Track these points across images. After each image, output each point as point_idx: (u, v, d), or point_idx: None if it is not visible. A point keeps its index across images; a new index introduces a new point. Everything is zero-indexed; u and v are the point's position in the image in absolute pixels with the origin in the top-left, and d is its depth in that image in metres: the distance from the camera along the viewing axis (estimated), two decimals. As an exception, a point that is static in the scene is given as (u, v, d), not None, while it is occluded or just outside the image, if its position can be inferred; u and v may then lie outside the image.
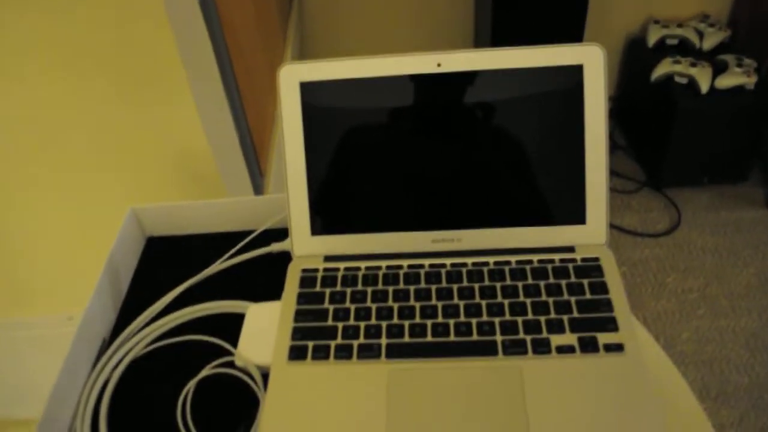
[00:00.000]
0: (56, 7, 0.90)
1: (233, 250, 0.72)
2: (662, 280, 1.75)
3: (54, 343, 1.23)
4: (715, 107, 1.79)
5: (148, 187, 1.04)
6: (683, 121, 1.81)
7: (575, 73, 0.59)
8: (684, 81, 1.83)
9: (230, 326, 0.65)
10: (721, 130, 1.83)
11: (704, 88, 1.79)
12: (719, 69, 1.84)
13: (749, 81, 1.78)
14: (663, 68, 1.86)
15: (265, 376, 0.59)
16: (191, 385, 0.60)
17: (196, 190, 1.11)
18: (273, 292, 0.65)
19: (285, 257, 0.65)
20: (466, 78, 0.59)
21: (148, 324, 0.67)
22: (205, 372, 0.61)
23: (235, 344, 0.62)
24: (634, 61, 2.09)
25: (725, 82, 1.80)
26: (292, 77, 0.61)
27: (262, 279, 0.70)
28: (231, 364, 0.61)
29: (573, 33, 1.83)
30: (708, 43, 1.95)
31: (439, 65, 0.59)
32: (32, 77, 0.90)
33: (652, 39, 1.99)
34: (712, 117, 1.80)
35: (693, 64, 1.82)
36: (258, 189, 1.08)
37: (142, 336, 0.65)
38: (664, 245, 1.84)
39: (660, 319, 1.66)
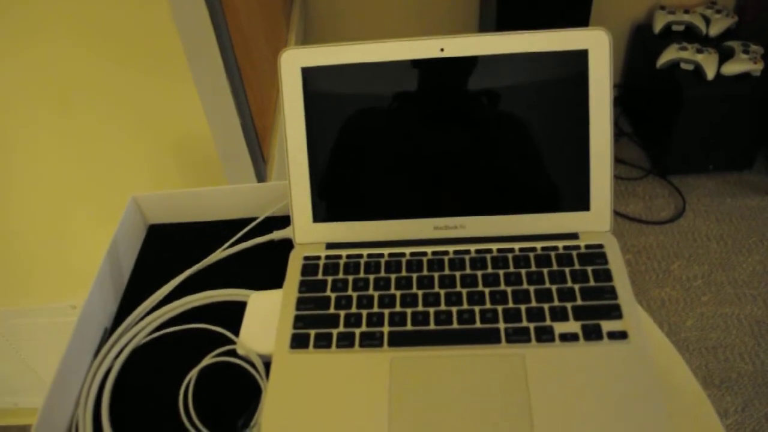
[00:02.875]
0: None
1: (235, 238, 0.72)
2: (667, 267, 1.74)
3: (57, 331, 1.23)
4: (721, 94, 1.77)
5: (149, 175, 1.04)
6: (689, 107, 1.79)
7: (580, 58, 0.58)
8: (690, 67, 1.82)
9: (232, 314, 0.64)
10: (726, 117, 1.81)
11: (710, 74, 1.77)
12: (726, 55, 1.83)
13: (756, 68, 1.77)
14: (669, 55, 1.85)
15: (267, 365, 0.58)
16: (193, 373, 0.60)
17: (198, 176, 1.10)
18: (275, 280, 0.64)
19: (287, 245, 0.64)
20: (470, 63, 0.58)
21: (149, 313, 0.67)
22: (207, 361, 0.61)
23: (237, 332, 0.62)
24: (640, 47, 2.07)
25: (731, 68, 1.78)
26: (293, 62, 0.60)
27: (264, 267, 0.70)
28: (233, 353, 0.61)
29: (579, 18, 1.81)
30: (714, 30, 1.93)
31: (442, 50, 0.58)
32: (35, 58, 0.90)
33: (658, 25, 1.97)
34: (718, 104, 1.78)
35: (699, 51, 1.81)
36: (261, 175, 1.08)
37: (144, 325, 0.65)
38: (668, 232, 1.83)
39: (664, 306, 1.65)
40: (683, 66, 1.83)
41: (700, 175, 1.99)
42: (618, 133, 2.15)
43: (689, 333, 1.59)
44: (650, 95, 2.01)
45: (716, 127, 1.84)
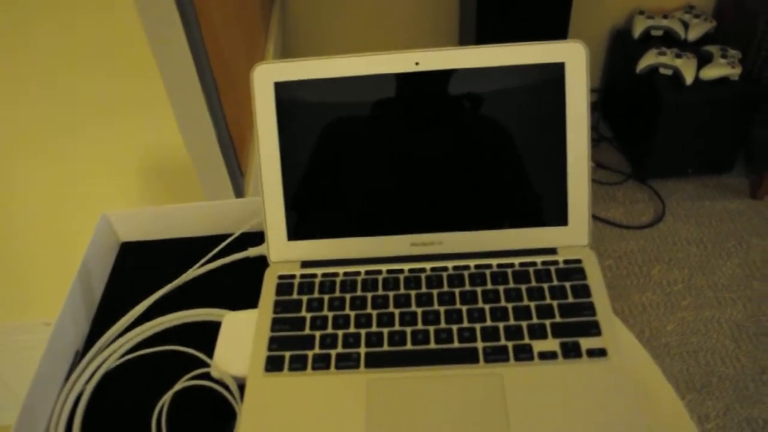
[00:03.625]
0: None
1: (209, 255, 0.71)
2: (647, 271, 1.75)
3: (31, 348, 1.21)
4: (700, 98, 1.79)
5: (122, 190, 1.02)
6: (668, 112, 1.80)
7: (557, 70, 0.57)
8: (669, 72, 1.83)
9: (206, 335, 0.63)
10: (705, 122, 1.83)
11: (689, 79, 1.79)
12: (704, 60, 1.84)
13: (734, 72, 1.78)
14: (648, 60, 1.86)
15: (242, 388, 0.57)
16: (166, 398, 0.59)
17: (176, 190, 1.08)
18: (251, 298, 0.63)
19: (263, 261, 0.63)
20: (446, 77, 0.57)
21: (122, 334, 0.65)
22: (181, 384, 0.59)
23: (211, 354, 0.61)
24: (619, 52, 2.08)
25: (710, 73, 1.80)
26: (266, 77, 0.59)
27: (240, 284, 0.68)
28: (207, 376, 0.60)
29: (558, 24, 1.82)
30: (693, 34, 1.95)
31: (417, 64, 0.57)
32: (14, 79, 0.88)
33: (637, 30, 1.99)
34: (697, 108, 1.80)
35: (678, 56, 1.82)
36: (238, 188, 1.06)
37: (116, 347, 0.64)
38: (648, 237, 1.84)
39: (645, 311, 1.66)
40: (662, 71, 1.84)
41: (679, 178, 2.00)
42: (598, 138, 2.16)
43: (670, 338, 1.60)
44: (630, 100, 2.02)
45: (695, 131, 1.85)
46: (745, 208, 1.90)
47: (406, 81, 0.57)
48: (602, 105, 2.25)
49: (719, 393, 1.49)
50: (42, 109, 0.92)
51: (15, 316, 1.21)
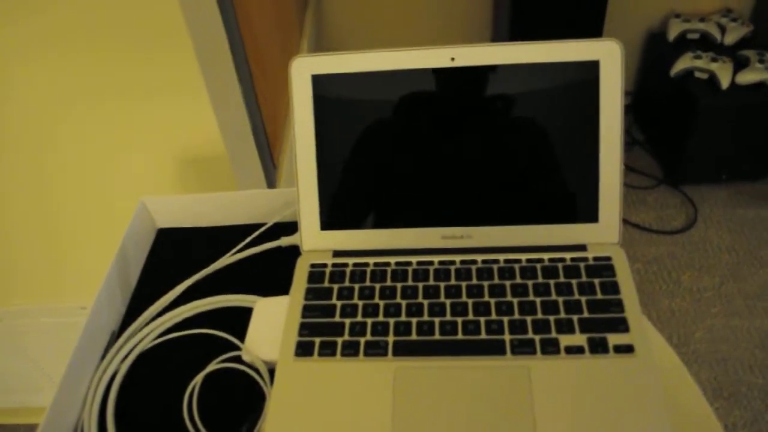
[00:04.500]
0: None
1: (242, 244, 0.72)
2: (677, 278, 1.73)
3: (66, 331, 1.24)
4: (736, 103, 1.76)
5: (159, 180, 1.04)
6: (703, 117, 1.78)
7: (592, 69, 0.57)
8: (704, 76, 1.80)
9: (238, 320, 0.65)
10: (740, 127, 1.80)
11: (725, 83, 1.76)
12: (741, 64, 1.81)
13: (771, 77, 1.75)
14: (683, 63, 1.83)
15: (272, 372, 0.58)
16: (198, 379, 0.60)
17: (210, 182, 1.11)
18: (282, 287, 0.64)
19: (294, 251, 0.64)
20: (480, 73, 0.58)
21: (156, 317, 0.67)
22: (212, 366, 0.61)
23: (242, 338, 0.62)
24: (654, 55, 2.06)
25: (746, 77, 1.77)
26: (303, 69, 0.60)
27: (272, 273, 0.70)
28: (238, 359, 0.61)
29: (593, 27, 1.81)
30: (730, 38, 1.92)
31: (453, 59, 0.58)
32: (48, 61, 0.90)
33: (672, 33, 1.96)
34: (732, 113, 1.77)
35: (714, 60, 1.79)
36: (270, 181, 1.08)
37: (151, 329, 0.65)
38: (679, 243, 1.82)
39: (674, 317, 1.64)
40: (697, 75, 1.81)
41: (712, 184, 1.97)
42: (630, 142, 2.14)
43: (698, 345, 1.58)
44: (664, 104, 2.00)
45: (730, 136, 1.82)
46: (780, 216, 1.87)
47: (441, 76, 0.58)
48: (635, 108, 2.22)
49: (747, 402, 1.47)
50: (84, 100, 0.95)
51: (51, 299, 1.25)
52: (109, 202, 1.07)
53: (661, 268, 1.76)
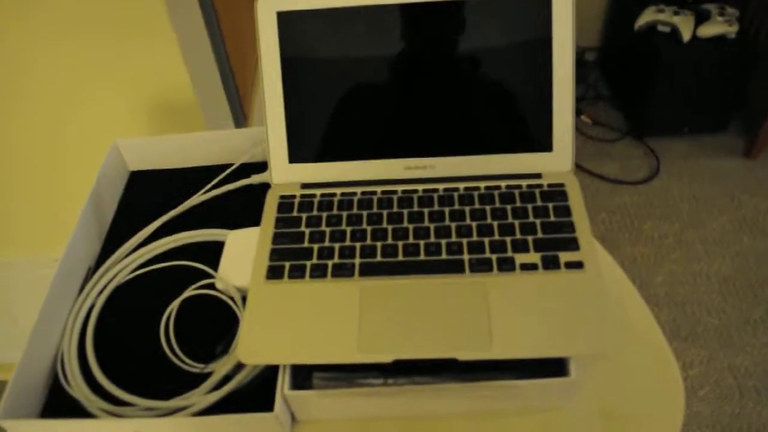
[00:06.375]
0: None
1: (214, 182, 0.74)
2: (639, 226, 1.79)
3: (40, 284, 1.24)
4: (697, 56, 1.80)
5: (130, 127, 1.05)
6: (665, 70, 1.82)
7: None
8: (667, 30, 1.84)
9: (211, 253, 0.67)
10: (702, 80, 1.85)
11: (686, 36, 1.80)
12: (702, 18, 1.85)
13: (731, 30, 1.79)
14: (646, 17, 1.87)
15: (245, 299, 0.61)
16: (174, 305, 0.63)
17: (179, 131, 1.11)
18: (253, 223, 0.67)
19: (264, 189, 0.66)
20: (440, 6, 0.60)
21: (131, 252, 0.69)
22: (188, 293, 0.64)
23: (215, 270, 0.65)
24: (618, 9, 2.09)
25: (707, 30, 1.81)
26: (269, 6, 0.62)
27: (242, 210, 0.72)
28: (212, 287, 0.64)
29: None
30: (692, -8, 1.95)
31: (412, -5, 0.60)
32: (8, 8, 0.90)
33: (636, -13, 1.99)
34: (694, 66, 1.81)
35: (676, 13, 1.83)
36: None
37: (126, 263, 0.68)
38: (642, 193, 1.88)
39: (635, 263, 1.70)
40: (660, 28, 1.85)
41: (675, 137, 2.03)
42: (595, 96, 2.18)
43: (659, 289, 1.65)
44: (628, 58, 2.03)
45: (692, 89, 1.87)
46: (739, 166, 1.93)
47: (403, 11, 0.60)
48: (601, 64, 2.26)
49: (704, 342, 1.54)
50: (54, 40, 0.94)
51: (23, 251, 1.25)
52: (82, 150, 1.07)
53: (624, 217, 1.82)
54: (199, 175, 0.77)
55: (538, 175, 0.63)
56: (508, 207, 0.60)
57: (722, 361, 1.51)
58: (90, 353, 0.60)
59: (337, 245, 0.59)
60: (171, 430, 0.53)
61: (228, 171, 0.74)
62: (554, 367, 0.53)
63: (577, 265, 0.56)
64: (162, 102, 1.01)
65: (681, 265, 1.69)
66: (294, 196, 0.63)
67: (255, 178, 0.73)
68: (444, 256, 0.57)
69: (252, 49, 1.29)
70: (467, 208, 0.61)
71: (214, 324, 0.61)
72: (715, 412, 1.41)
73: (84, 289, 0.66)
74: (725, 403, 1.43)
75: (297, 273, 0.57)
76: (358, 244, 0.59)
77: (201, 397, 0.55)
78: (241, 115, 1.10)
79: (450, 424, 0.56)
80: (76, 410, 0.57)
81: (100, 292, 0.66)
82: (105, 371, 0.59)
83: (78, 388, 0.58)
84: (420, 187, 0.63)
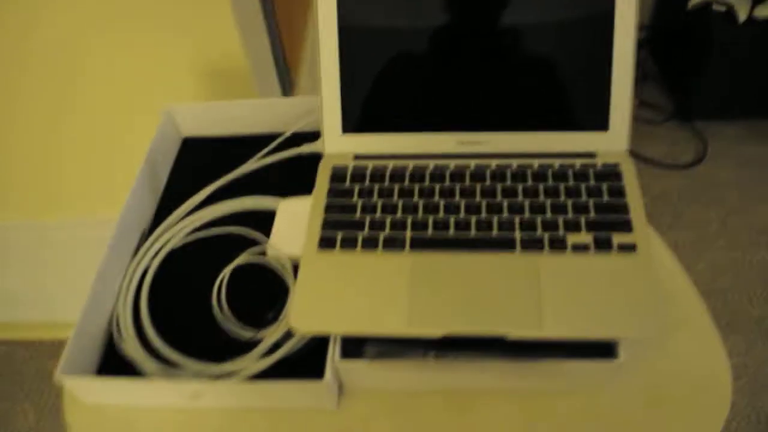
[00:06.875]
0: None
1: (265, 150, 0.75)
2: (682, 210, 1.76)
3: (95, 246, 1.27)
4: (752, 38, 1.74)
5: (178, 94, 1.06)
6: (718, 50, 1.77)
7: (608, -21, 0.59)
8: (722, 9, 1.78)
9: (263, 221, 0.68)
10: (756, 62, 1.79)
11: (742, 17, 1.74)
12: (760, -3, 1.79)
13: (790, 11, 1.73)
14: (701, -5, 1.81)
15: (296, 268, 0.62)
16: (226, 271, 0.64)
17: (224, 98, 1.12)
18: (303, 192, 0.67)
19: (314, 159, 0.67)
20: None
21: (184, 217, 0.71)
22: (240, 260, 0.65)
23: (266, 237, 0.66)
24: (671, -13, 2.03)
25: (764, 11, 1.74)
26: (326, -23, 0.61)
27: (293, 179, 0.73)
28: (262, 254, 0.65)
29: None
30: (750, -30, 1.88)
31: (472, -32, 0.59)
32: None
33: (692, -36, 1.92)
34: (748, 48, 1.76)
35: (732, -8, 1.77)
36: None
37: (180, 228, 0.69)
38: (687, 177, 1.84)
39: (677, 249, 1.67)
40: (715, 7, 1.79)
41: (724, 120, 1.97)
42: (644, 76, 2.13)
43: (700, 276, 1.62)
44: (679, 37, 1.98)
45: (745, 71, 1.81)
46: (789, 153, 1.87)
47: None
48: (650, 42, 2.20)
49: (744, 332, 1.52)
50: (108, 14, 0.96)
51: (79, 213, 1.28)
52: (136, 117, 1.09)
53: (667, 202, 1.78)
54: (249, 143, 0.77)
55: (592, 155, 0.62)
56: (561, 185, 0.60)
57: (762, 351, 1.48)
58: (144, 315, 0.62)
59: (388, 218, 0.59)
60: (225, 393, 0.54)
61: (280, 139, 0.75)
62: (600, 350, 0.53)
63: (630, 247, 0.56)
64: (211, 69, 1.02)
65: (724, 253, 1.66)
66: (346, 167, 0.64)
67: (306, 148, 0.74)
68: (495, 232, 0.57)
69: (297, 18, 1.29)
70: (520, 185, 0.60)
71: (264, 291, 0.63)
72: (750, 404, 1.39)
73: (138, 252, 0.68)
74: (763, 395, 1.41)
75: (349, 244, 0.58)
76: (409, 218, 0.59)
77: (252, 362, 0.57)
78: (288, 84, 1.11)
79: (492, 399, 0.57)
80: (128, 370, 0.59)
81: (154, 255, 0.67)
82: (158, 333, 0.61)
83: (133, 348, 0.60)
84: (472, 162, 0.63)
